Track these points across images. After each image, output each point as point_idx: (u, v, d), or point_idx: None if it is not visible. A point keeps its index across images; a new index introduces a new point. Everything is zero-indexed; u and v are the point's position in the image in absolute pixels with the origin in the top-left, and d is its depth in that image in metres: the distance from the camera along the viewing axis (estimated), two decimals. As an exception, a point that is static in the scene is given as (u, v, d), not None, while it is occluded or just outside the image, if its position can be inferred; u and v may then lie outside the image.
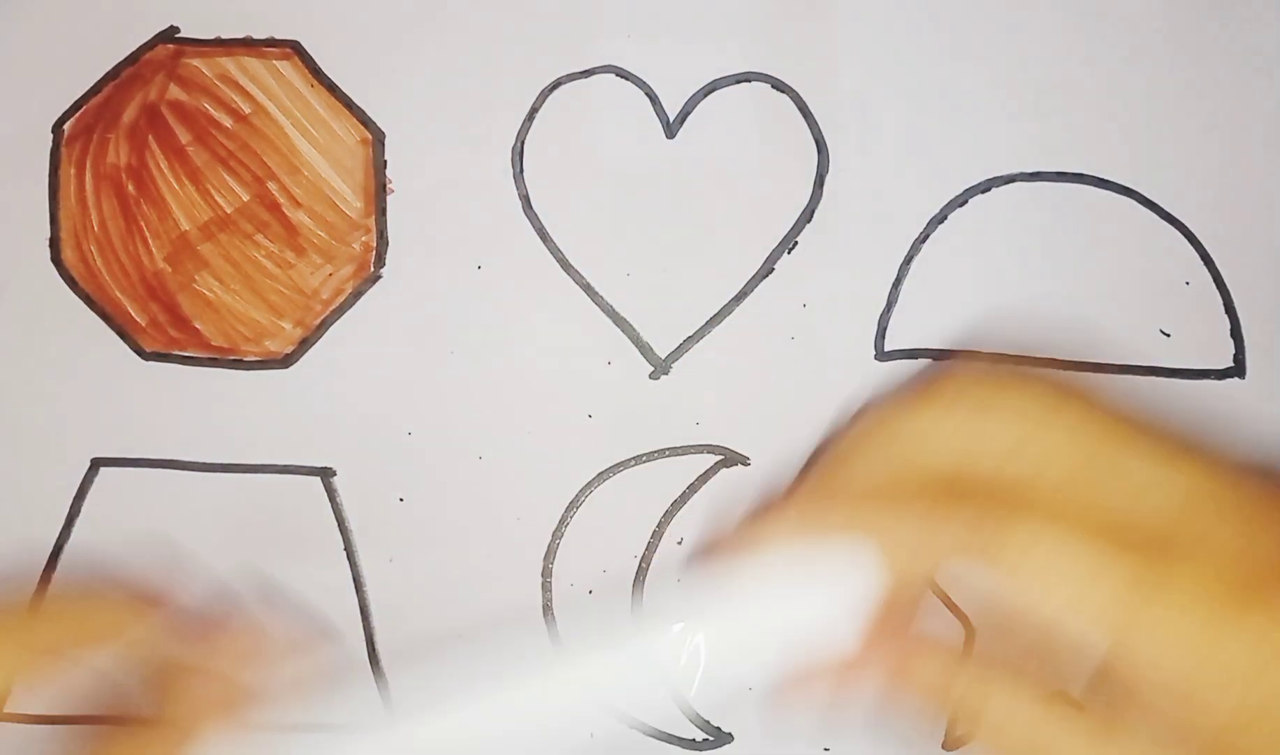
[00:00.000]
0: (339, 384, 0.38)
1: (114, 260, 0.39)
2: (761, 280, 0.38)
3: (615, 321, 0.38)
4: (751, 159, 0.39)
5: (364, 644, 0.37)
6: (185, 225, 0.39)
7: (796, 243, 0.38)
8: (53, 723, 0.37)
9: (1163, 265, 0.38)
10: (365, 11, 0.40)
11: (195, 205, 0.39)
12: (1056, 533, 0.23)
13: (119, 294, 0.39)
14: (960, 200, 0.38)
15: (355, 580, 0.37)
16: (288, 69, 0.40)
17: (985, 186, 0.38)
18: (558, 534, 0.37)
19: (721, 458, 0.38)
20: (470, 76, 0.39)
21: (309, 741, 0.36)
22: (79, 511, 0.37)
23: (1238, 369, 0.38)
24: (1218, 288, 0.38)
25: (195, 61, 0.40)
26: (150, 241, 0.39)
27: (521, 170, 0.39)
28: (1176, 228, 0.38)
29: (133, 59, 0.40)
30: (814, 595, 0.26)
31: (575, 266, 0.38)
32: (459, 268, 0.38)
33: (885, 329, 0.38)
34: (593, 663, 0.28)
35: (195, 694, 0.30)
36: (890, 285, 0.38)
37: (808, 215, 0.38)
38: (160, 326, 0.38)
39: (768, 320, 0.38)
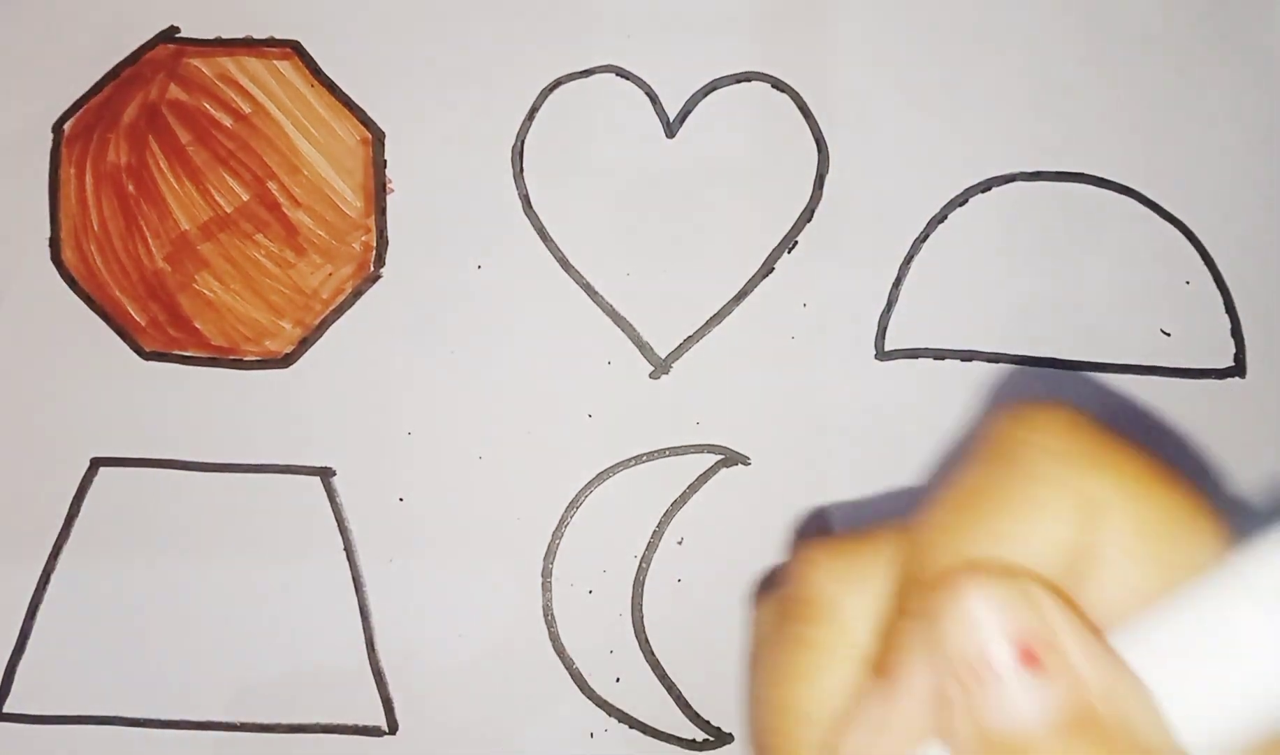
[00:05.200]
0: (339, 384, 0.38)
1: (114, 260, 0.39)
2: (761, 280, 0.38)
3: (615, 321, 0.38)
4: (751, 159, 0.39)
5: (364, 644, 0.37)
6: (185, 225, 0.39)
7: (796, 243, 0.38)
8: (53, 723, 0.37)
9: (1163, 265, 0.38)
10: (365, 11, 0.40)
11: (195, 205, 0.39)
12: None
13: (119, 294, 0.39)
14: (960, 200, 0.38)
15: (355, 580, 0.37)
16: (288, 69, 0.40)
17: (985, 186, 0.38)
18: (558, 534, 0.37)
19: (721, 458, 0.38)
20: (470, 76, 0.39)
21: (309, 741, 0.37)
22: (79, 511, 0.37)
23: (1238, 369, 0.38)
24: (1218, 288, 0.38)
25: (195, 61, 0.40)
26: (150, 241, 0.39)
27: (521, 170, 0.39)
28: (1176, 228, 0.38)
29: (133, 59, 0.40)
30: None
31: (575, 266, 0.38)
32: (459, 268, 0.38)
33: (885, 329, 0.38)
34: None
35: None
36: (890, 285, 0.38)
37: (808, 215, 0.38)
38: (160, 326, 0.38)
39: (768, 320, 0.38)
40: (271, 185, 0.39)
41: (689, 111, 0.39)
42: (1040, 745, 0.18)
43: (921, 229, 0.38)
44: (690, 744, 0.37)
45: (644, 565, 0.37)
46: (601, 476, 0.38)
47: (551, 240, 0.39)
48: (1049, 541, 0.19)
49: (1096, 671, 0.18)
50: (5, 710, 0.37)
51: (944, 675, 0.19)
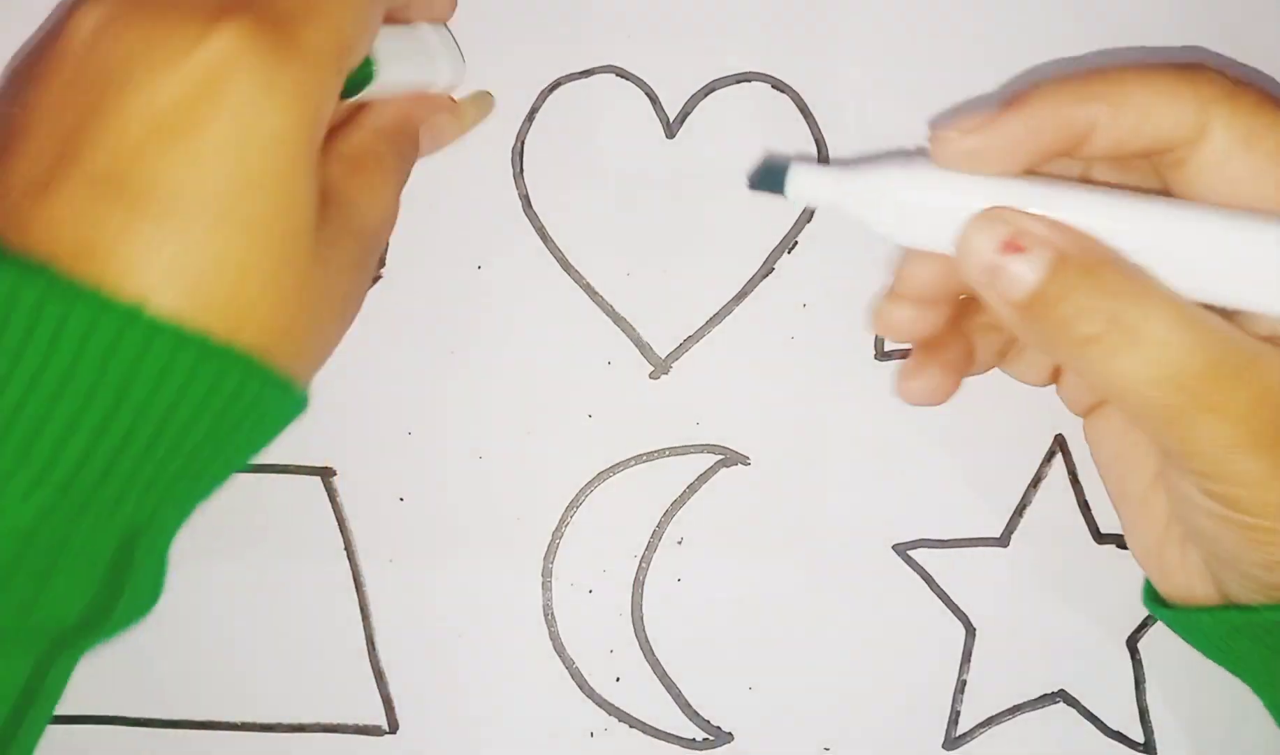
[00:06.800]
0: (339, 384, 0.38)
1: (114, 260, 0.39)
2: (761, 280, 0.38)
3: (615, 321, 0.38)
4: (751, 159, 0.39)
5: (364, 644, 0.37)
6: (185, 225, 0.39)
7: (796, 243, 0.38)
8: (53, 723, 0.37)
9: (1163, 265, 0.38)
10: (365, 11, 0.40)
11: (195, 205, 0.39)
12: None
13: (119, 294, 0.38)
14: (960, 200, 0.38)
15: (355, 580, 0.37)
16: (288, 69, 0.39)
17: (985, 186, 0.38)
18: (558, 534, 0.37)
19: (721, 458, 0.38)
20: (470, 76, 0.39)
21: (309, 741, 0.37)
22: (79, 511, 0.37)
23: (1237, 369, 0.38)
24: (1218, 288, 0.38)
25: (195, 61, 0.39)
26: (150, 241, 0.39)
27: (521, 170, 0.39)
28: (1176, 228, 0.38)
29: (133, 59, 0.40)
30: None
31: (575, 266, 0.38)
32: (459, 268, 0.38)
33: (885, 329, 0.38)
34: None
35: None
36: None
37: (808, 215, 0.38)
38: (160, 326, 0.38)
39: (768, 320, 0.38)
40: (271, 185, 0.39)
41: (689, 111, 0.39)
42: (1044, 291, 0.27)
43: (921, 229, 0.38)
44: (690, 744, 0.37)
45: (644, 565, 0.37)
46: (601, 476, 0.38)
47: (551, 240, 0.39)
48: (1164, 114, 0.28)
49: (1061, 233, 0.28)
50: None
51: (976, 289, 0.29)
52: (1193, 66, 0.29)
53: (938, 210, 0.30)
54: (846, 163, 0.32)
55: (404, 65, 0.35)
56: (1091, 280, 0.27)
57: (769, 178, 0.31)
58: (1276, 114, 0.28)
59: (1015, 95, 0.29)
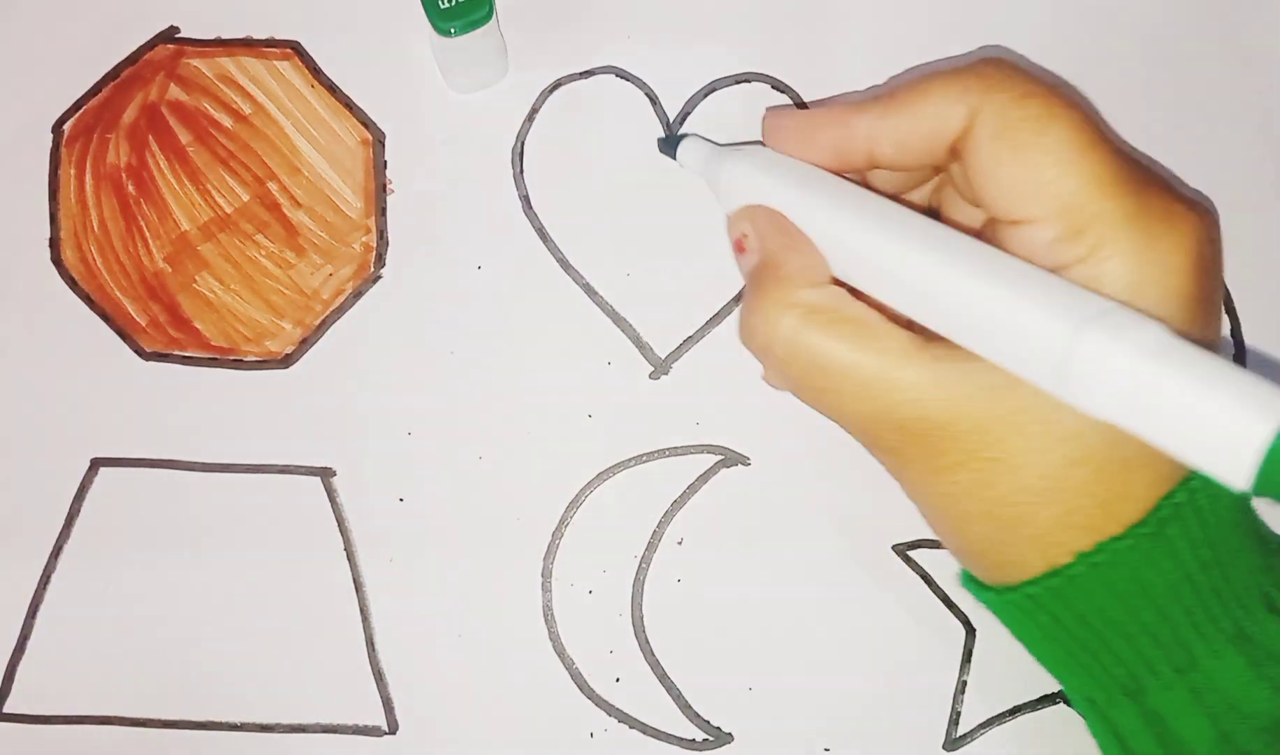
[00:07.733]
0: (339, 384, 0.38)
1: (114, 260, 0.39)
2: (761, 280, 0.38)
3: (615, 321, 0.38)
4: (751, 159, 0.39)
5: (364, 644, 0.37)
6: (185, 225, 0.39)
7: (796, 243, 0.38)
8: (53, 723, 0.37)
9: (1163, 265, 0.38)
10: (365, 11, 0.40)
11: (195, 205, 0.39)
12: None
13: (119, 294, 0.39)
14: (960, 200, 0.38)
15: (355, 580, 0.37)
16: (288, 69, 0.40)
17: (985, 186, 0.38)
18: (558, 534, 0.37)
19: (721, 458, 0.38)
20: (470, 76, 0.39)
21: (309, 741, 0.37)
22: (79, 511, 0.37)
23: (1238, 369, 0.38)
24: (1218, 288, 0.38)
25: (195, 61, 0.40)
26: (150, 241, 0.39)
27: (521, 170, 0.39)
28: (1176, 228, 0.38)
29: (133, 59, 0.40)
30: None
31: (575, 266, 0.38)
32: (459, 268, 0.38)
33: (885, 329, 0.38)
34: None
35: None
36: (890, 285, 0.38)
37: (808, 215, 0.38)
38: (160, 326, 0.38)
39: (768, 320, 0.38)
40: (272, 186, 0.39)
41: (689, 112, 0.39)
42: (747, 285, 0.31)
43: (921, 229, 0.38)
44: (690, 744, 0.37)
45: (644, 565, 0.37)
46: (601, 476, 0.38)
47: (551, 240, 0.39)
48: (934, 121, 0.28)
49: (774, 243, 0.30)
50: (5, 710, 0.37)
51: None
52: (968, 65, 0.28)
53: (746, 193, 0.32)
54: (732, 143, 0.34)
55: (474, 63, 0.38)
56: (754, 290, 0.30)
57: (671, 144, 0.36)
58: (1037, 112, 0.27)
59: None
